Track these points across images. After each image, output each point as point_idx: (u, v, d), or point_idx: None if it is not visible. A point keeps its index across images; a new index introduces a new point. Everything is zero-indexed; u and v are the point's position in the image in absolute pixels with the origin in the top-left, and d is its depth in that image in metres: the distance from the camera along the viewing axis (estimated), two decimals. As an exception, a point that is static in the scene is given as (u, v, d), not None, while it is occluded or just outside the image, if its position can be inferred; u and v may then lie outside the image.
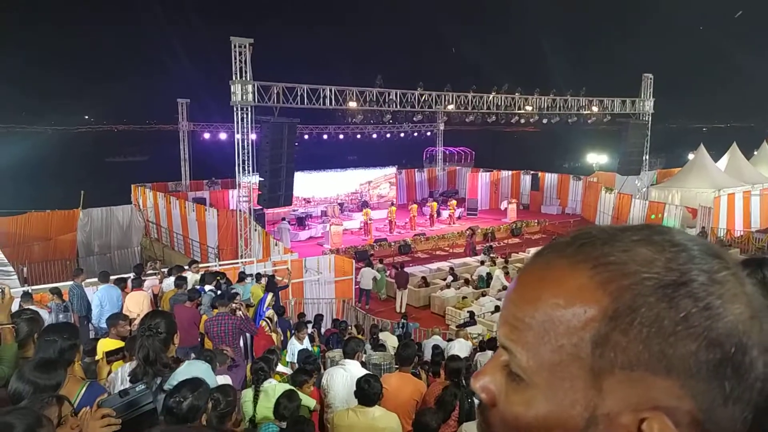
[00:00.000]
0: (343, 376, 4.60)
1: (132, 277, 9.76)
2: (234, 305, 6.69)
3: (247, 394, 4.43)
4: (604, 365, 0.47)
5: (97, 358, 5.38)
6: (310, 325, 9.89)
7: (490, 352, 8.39)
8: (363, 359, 5.25)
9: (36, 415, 2.00)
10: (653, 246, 0.49)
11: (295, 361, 7.01)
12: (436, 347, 7.64)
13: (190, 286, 8.86)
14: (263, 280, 10.91)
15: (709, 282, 0.48)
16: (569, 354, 0.48)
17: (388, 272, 16.69)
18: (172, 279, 9.48)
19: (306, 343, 7.84)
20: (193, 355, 4.74)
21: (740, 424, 0.47)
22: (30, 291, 9.71)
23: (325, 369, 6.58)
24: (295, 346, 7.47)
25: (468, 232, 21.38)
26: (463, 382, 4.66)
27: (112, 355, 4.13)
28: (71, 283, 9.66)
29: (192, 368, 3.47)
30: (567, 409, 0.48)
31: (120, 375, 3.50)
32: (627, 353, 0.46)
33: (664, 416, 0.46)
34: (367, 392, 3.89)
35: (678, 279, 0.47)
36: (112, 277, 9.64)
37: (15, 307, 7.89)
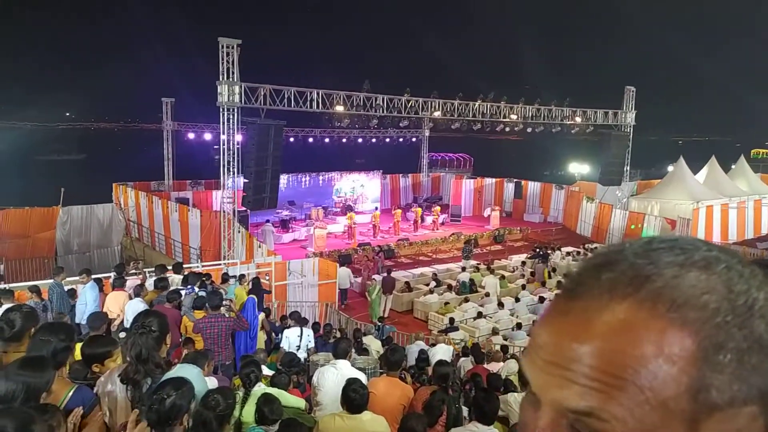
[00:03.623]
0: (334, 374, 4.59)
1: (113, 276, 9.63)
2: (225, 303, 6.70)
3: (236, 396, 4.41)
4: (702, 410, 0.44)
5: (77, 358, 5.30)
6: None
7: (472, 358, 8.43)
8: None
9: (29, 414, 1.98)
10: (700, 267, 0.47)
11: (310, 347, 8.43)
12: (422, 352, 7.67)
13: (172, 287, 8.78)
14: (248, 285, 10.85)
15: (765, 296, 0.47)
16: (670, 409, 0.44)
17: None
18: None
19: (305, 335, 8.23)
20: (185, 352, 4.69)
21: None
22: (8, 288, 9.51)
23: (310, 372, 6.60)
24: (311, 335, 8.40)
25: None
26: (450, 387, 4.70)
27: None
28: (51, 281, 9.49)
29: (183, 371, 3.43)
30: None
31: (111, 376, 3.43)
32: (724, 392, 0.44)
33: None
34: (354, 400, 3.83)
35: (745, 303, 0.46)
36: (93, 276, 9.50)
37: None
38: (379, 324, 12.48)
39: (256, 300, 8.73)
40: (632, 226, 23.97)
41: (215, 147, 16.77)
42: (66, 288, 9.36)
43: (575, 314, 0.48)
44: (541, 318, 0.53)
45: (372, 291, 14.83)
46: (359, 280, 16.95)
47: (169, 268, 10.41)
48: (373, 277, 16.69)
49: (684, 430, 0.44)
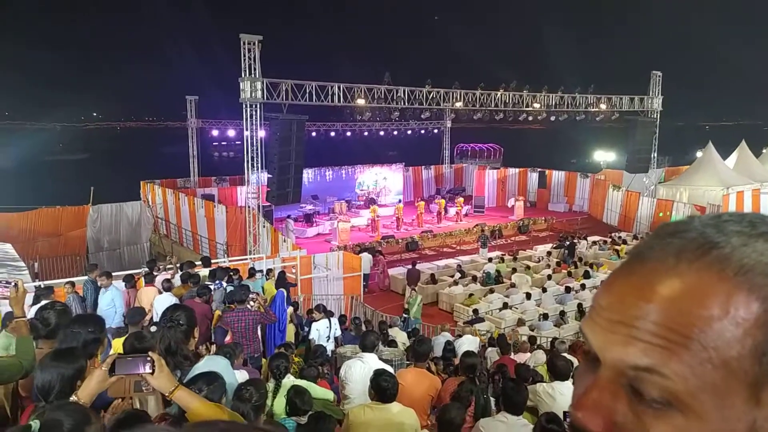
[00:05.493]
0: (361, 368, 4.63)
1: (144, 272, 9.82)
2: (251, 296, 6.80)
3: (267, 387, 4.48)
4: (766, 374, 0.45)
5: (112, 352, 5.44)
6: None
7: (497, 349, 8.41)
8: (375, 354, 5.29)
9: (84, 411, 2.00)
10: (765, 237, 0.48)
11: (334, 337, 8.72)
12: (448, 343, 7.69)
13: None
14: (274, 278, 10.96)
15: None
16: (732, 370, 0.44)
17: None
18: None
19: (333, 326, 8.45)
20: (214, 348, 4.79)
21: None
22: (43, 285, 9.75)
23: (337, 364, 6.66)
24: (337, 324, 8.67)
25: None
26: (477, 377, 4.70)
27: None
28: (85, 278, 9.72)
29: (212, 363, 3.50)
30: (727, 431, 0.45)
31: None
32: None
33: None
34: (385, 389, 3.85)
35: None
36: (123, 273, 9.69)
37: (29, 301, 7.96)
38: (405, 316, 12.51)
39: (285, 293, 8.83)
40: (660, 214, 23.53)
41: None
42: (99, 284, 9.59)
43: (641, 274, 0.49)
44: (604, 282, 0.53)
45: (413, 302, 13.51)
46: (380, 273, 17.05)
47: (198, 263, 10.59)
48: (398, 275, 16.70)
49: (745, 392, 0.45)
